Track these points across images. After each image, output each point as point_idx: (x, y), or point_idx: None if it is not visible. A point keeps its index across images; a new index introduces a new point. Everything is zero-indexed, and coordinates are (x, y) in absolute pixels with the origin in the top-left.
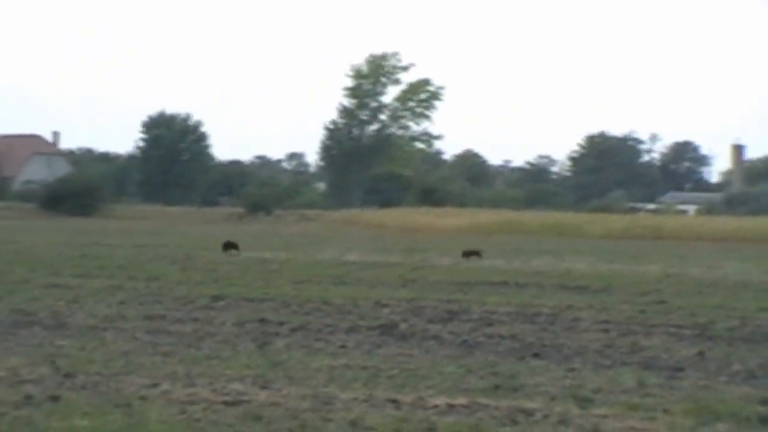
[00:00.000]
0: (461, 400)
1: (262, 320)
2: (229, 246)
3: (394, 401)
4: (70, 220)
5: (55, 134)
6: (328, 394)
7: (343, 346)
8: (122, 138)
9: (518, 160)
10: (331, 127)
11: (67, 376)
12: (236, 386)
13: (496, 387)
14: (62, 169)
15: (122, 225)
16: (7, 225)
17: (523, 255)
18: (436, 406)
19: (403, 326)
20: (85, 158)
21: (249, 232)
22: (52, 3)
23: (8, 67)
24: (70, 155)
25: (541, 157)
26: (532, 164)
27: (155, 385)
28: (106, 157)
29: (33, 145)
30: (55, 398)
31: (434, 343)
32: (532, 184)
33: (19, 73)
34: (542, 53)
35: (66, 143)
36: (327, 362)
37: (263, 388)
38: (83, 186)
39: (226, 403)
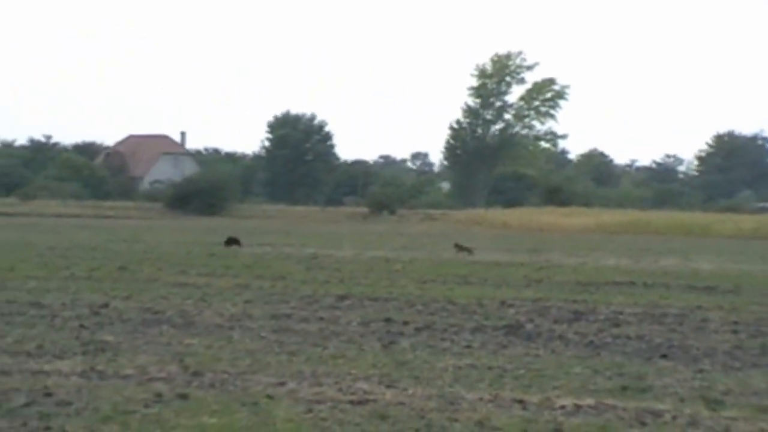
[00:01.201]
0: (588, 401)
1: (387, 320)
2: (231, 242)
3: (520, 401)
4: (196, 220)
5: (183, 134)
6: (454, 394)
7: (468, 346)
8: (248, 138)
9: (645, 160)
10: (456, 126)
11: (195, 374)
12: (362, 385)
13: (624, 388)
14: (189, 168)
15: (247, 224)
16: (134, 224)
17: (650, 255)
18: (563, 407)
19: (528, 326)
20: (211, 158)
21: (373, 232)
22: (179, 5)
23: (137, 68)
24: (197, 155)
25: (668, 156)
26: (658, 163)
27: (282, 384)
28: (232, 157)
29: (161, 146)
30: (183, 396)
31: (560, 344)
32: (659, 184)
33: (148, 75)
34: (670, 51)
35: (193, 143)
36: (452, 362)
37: (389, 387)
38: (209, 185)
39: (352, 402)
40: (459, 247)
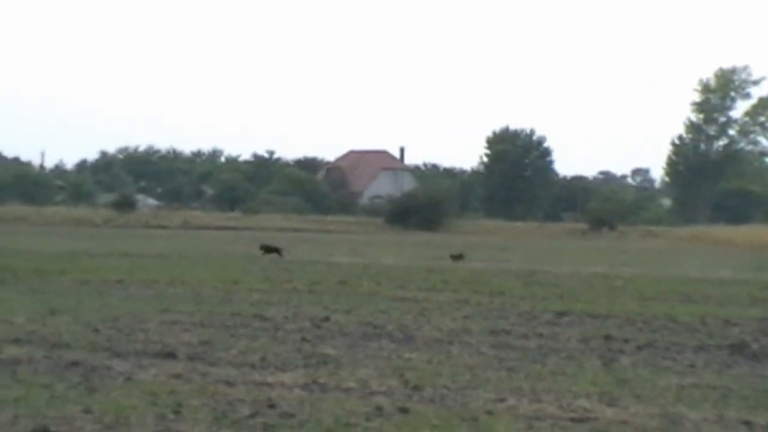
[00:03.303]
0: None
1: (607, 337)
2: (269, 250)
3: (747, 423)
4: (415, 235)
5: (402, 150)
6: (677, 414)
7: (691, 365)
8: (466, 153)
9: None
10: (678, 142)
11: (416, 388)
12: (582, 403)
13: None
14: (408, 184)
15: (466, 239)
16: (354, 239)
17: None
18: None
19: (754, 346)
20: (430, 173)
21: (593, 248)
22: (396, 23)
23: (357, 84)
24: (416, 171)
25: None
26: None
27: (501, 400)
28: (450, 173)
29: (381, 161)
30: (404, 410)
31: None
32: None
33: (368, 91)
34: None
35: (411, 159)
36: (675, 381)
37: (610, 405)
38: (428, 201)
39: (572, 419)
40: (455, 257)
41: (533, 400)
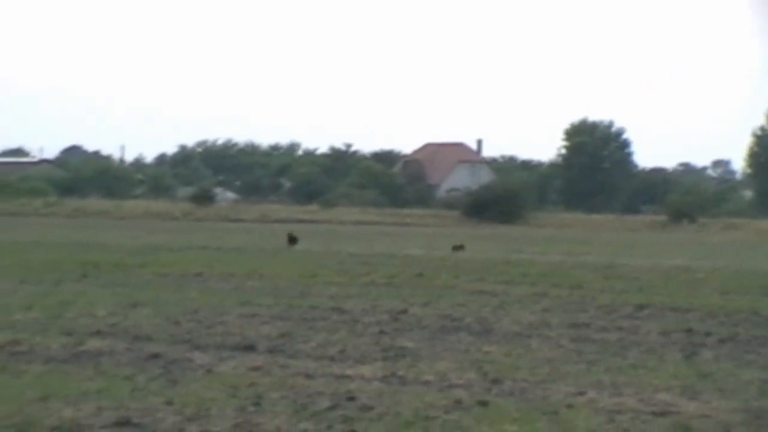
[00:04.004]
0: None
1: (689, 330)
2: (292, 240)
3: None
4: (492, 228)
5: (479, 142)
6: (760, 408)
7: None
8: (544, 145)
9: None
10: (760, 133)
11: (495, 381)
12: (663, 396)
13: None
14: (485, 177)
15: (544, 232)
16: (431, 232)
17: None
18: None
19: None
20: (507, 166)
21: (673, 240)
22: (473, 18)
23: (434, 76)
24: (493, 163)
25: None
26: None
27: (581, 393)
28: (527, 165)
29: (458, 154)
30: (483, 403)
31: None
32: None
33: (444, 82)
34: None
35: (489, 151)
36: (758, 375)
37: (691, 399)
38: (506, 194)
39: (653, 413)
40: (456, 248)
41: (614, 394)
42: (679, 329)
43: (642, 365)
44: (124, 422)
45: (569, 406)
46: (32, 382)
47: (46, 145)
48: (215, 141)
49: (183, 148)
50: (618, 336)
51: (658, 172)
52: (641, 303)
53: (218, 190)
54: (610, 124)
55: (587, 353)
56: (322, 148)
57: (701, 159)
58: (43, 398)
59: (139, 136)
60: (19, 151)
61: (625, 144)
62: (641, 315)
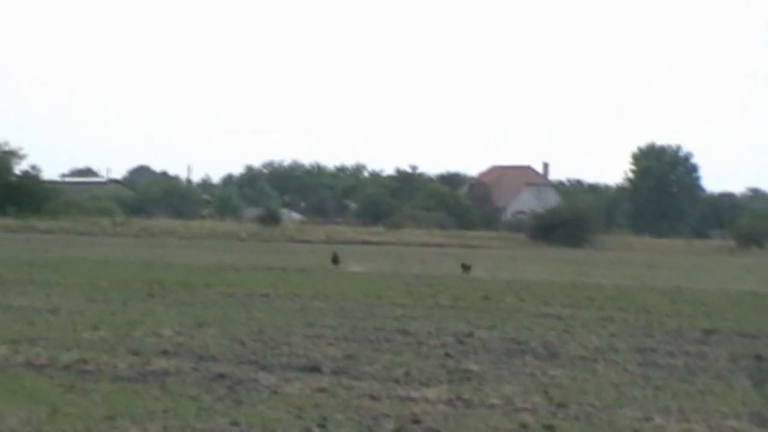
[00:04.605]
0: None
1: (758, 357)
2: (336, 260)
3: None
4: (559, 251)
5: (546, 165)
6: None
7: None
8: (611, 169)
9: None
10: None
11: (560, 405)
12: (731, 423)
13: None
14: (552, 200)
15: (611, 256)
16: (497, 254)
17: None
18: None
19: None
20: (574, 189)
21: (741, 266)
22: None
23: (498, 99)
24: (560, 186)
25: None
26: None
27: (648, 419)
28: (595, 189)
29: (524, 176)
30: (549, 428)
31: None
32: None
33: (509, 106)
34: None
35: (555, 174)
36: None
37: (760, 426)
38: (573, 217)
39: None
40: (465, 267)
41: (681, 420)
42: (747, 355)
43: (710, 391)
44: None
45: None
46: (100, 401)
47: (113, 165)
48: (281, 162)
49: (249, 169)
50: (685, 361)
51: (726, 197)
52: (709, 328)
53: (284, 211)
54: (678, 149)
55: (654, 378)
56: (387, 170)
57: None
58: (110, 417)
59: (205, 156)
60: (87, 171)
61: (693, 168)
62: (709, 340)
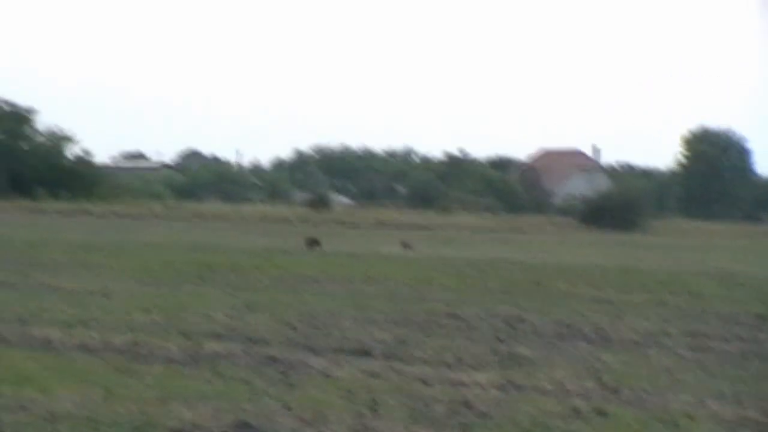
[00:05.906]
0: None
1: None
2: (313, 243)
3: None
4: (609, 235)
5: (596, 149)
6: None
7: None
8: (663, 153)
9: None
10: None
11: (612, 390)
12: None
13: None
14: (602, 184)
15: (662, 240)
16: (548, 239)
17: None
18: None
19: None
20: (625, 173)
21: None
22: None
23: (549, 81)
24: (611, 170)
25: None
26: None
27: (701, 404)
28: (646, 173)
29: (575, 161)
30: (601, 412)
31: None
32: None
33: (560, 88)
34: None
35: (606, 158)
36: None
37: None
38: (624, 201)
39: None
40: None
41: (736, 405)
42: None
43: (764, 377)
44: (243, 425)
45: (689, 417)
46: (152, 384)
47: (163, 149)
48: (330, 146)
49: (300, 154)
50: (738, 346)
51: None
52: (762, 313)
53: (333, 195)
54: (730, 133)
55: (707, 363)
56: (436, 153)
57: None
58: (162, 399)
59: (253, 139)
60: (138, 155)
61: (746, 152)
62: (762, 325)
